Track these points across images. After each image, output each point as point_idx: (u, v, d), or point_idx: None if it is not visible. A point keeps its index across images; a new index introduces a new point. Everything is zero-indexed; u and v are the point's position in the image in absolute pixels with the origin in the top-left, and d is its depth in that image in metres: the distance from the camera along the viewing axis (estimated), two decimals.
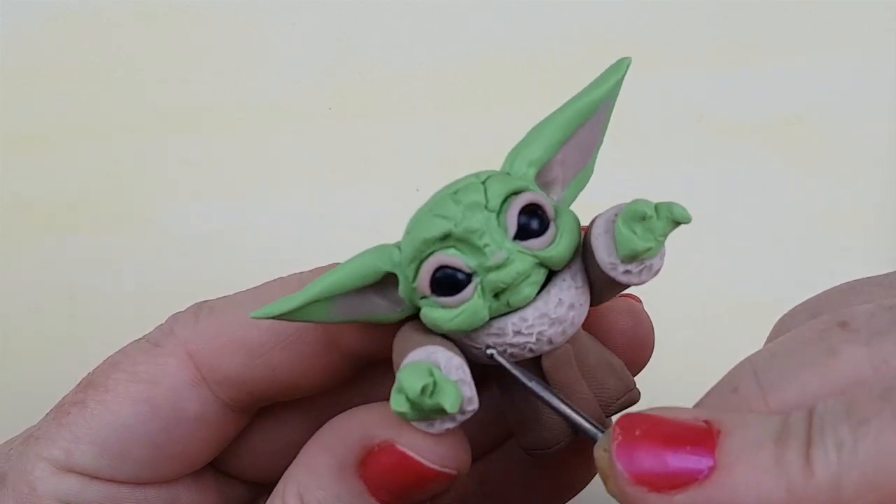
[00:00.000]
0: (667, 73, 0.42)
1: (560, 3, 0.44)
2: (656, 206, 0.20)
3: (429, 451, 0.21)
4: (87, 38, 0.45)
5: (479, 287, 0.21)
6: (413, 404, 0.20)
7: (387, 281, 0.22)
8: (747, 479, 0.17)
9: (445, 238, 0.21)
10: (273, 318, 0.22)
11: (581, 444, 0.24)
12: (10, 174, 0.43)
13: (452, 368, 0.20)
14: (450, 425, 0.21)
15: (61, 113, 0.44)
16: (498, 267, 0.20)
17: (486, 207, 0.21)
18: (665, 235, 0.20)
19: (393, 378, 0.21)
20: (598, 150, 0.23)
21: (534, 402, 0.23)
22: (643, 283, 0.21)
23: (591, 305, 0.22)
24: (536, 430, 0.23)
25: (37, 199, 0.42)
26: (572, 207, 0.22)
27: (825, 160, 0.41)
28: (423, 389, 0.20)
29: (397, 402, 0.20)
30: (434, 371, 0.20)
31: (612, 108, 0.22)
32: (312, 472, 0.22)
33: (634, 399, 0.24)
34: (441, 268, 0.21)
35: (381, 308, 0.22)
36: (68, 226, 0.42)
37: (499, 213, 0.21)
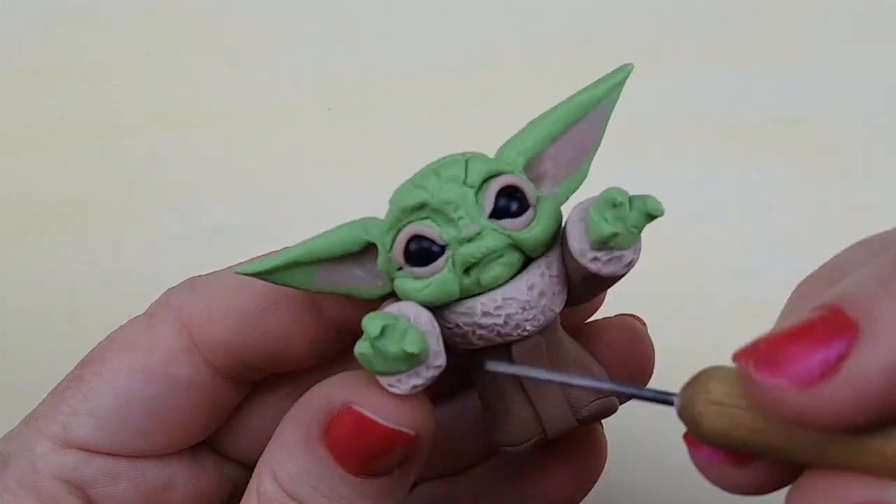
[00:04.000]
0: (667, 73, 0.42)
1: (560, 3, 0.44)
2: (630, 198, 0.20)
3: (385, 410, 0.21)
4: (87, 38, 0.45)
5: (450, 260, 0.21)
6: (376, 349, 0.20)
7: (368, 253, 0.22)
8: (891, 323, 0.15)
9: (422, 208, 0.21)
10: (255, 274, 0.22)
11: (554, 445, 0.24)
12: (9, 174, 0.43)
13: (421, 321, 0.20)
14: (416, 382, 0.20)
15: (61, 113, 0.44)
16: (469, 240, 0.21)
17: (464, 182, 0.21)
18: (638, 227, 0.20)
19: None
20: (594, 152, 0.23)
21: (504, 396, 0.23)
22: (614, 274, 0.21)
23: (572, 304, 0.22)
24: (506, 425, 0.23)
25: (36, 199, 0.42)
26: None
27: (825, 160, 0.40)
28: (384, 329, 0.20)
29: (360, 346, 0.20)
30: (400, 318, 0.20)
31: (611, 112, 0.23)
32: (283, 446, 0.22)
33: (611, 407, 0.23)
34: (415, 237, 0.21)
35: (361, 281, 0.22)
36: (68, 226, 0.42)
37: (478, 191, 0.21)
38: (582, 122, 0.22)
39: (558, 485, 0.26)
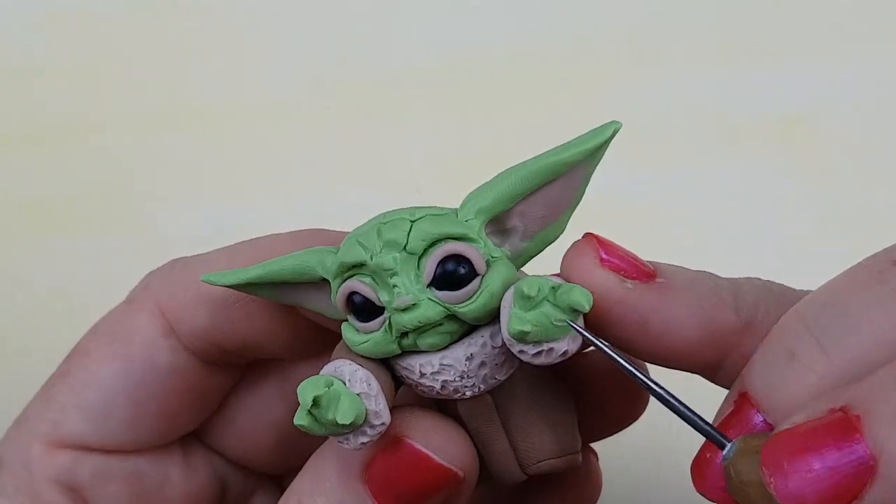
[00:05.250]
0: (667, 74, 0.42)
1: (560, 3, 0.44)
2: (555, 288, 0.19)
3: (438, 447, 0.21)
4: (87, 38, 0.45)
5: (387, 322, 0.20)
6: (314, 417, 0.19)
7: (324, 284, 0.22)
8: None
9: (361, 266, 0.20)
10: (219, 285, 0.22)
11: (548, 476, 0.23)
12: (8, 174, 0.43)
13: (357, 381, 0.20)
14: (363, 440, 0.20)
15: (60, 113, 0.44)
16: (403, 310, 0.20)
17: (404, 248, 0.20)
18: (563, 321, 0.19)
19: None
20: (571, 210, 0.21)
21: (481, 435, 0.22)
22: (549, 364, 0.20)
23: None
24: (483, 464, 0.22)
25: (35, 199, 0.42)
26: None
27: (825, 160, 0.40)
28: (316, 401, 0.19)
29: (298, 416, 0.19)
30: (336, 383, 0.19)
31: (592, 172, 0.21)
32: (316, 478, 0.21)
33: (572, 464, 0.22)
34: (354, 293, 0.20)
35: (324, 304, 0.22)
36: (66, 226, 0.41)
37: (421, 256, 0.20)
38: (555, 182, 0.21)
39: None
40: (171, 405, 0.25)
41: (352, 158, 0.42)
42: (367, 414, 0.19)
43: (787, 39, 0.43)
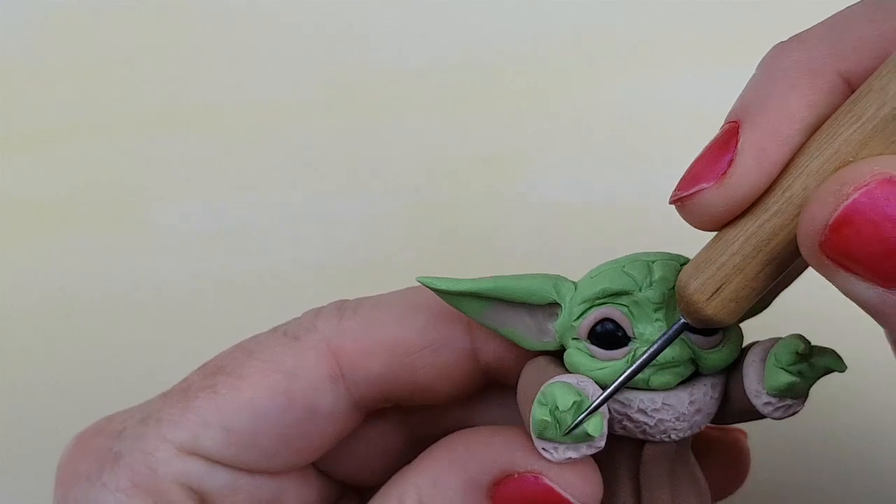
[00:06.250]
0: (667, 73, 0.42)
1: (560, 3, 0.44)
2: (813, 350, 0.21)
3: (576, 488, 0.21)
4: (86, 37, 0.45)
5: (632, 353, 0.21)
6: (556, 419, 0.20)
7: (546, 308, 0.23)
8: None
9: (623, 295, 0.21)
10: (436, 290, 0.22)
11: None
12: (7, 174, 0.43)
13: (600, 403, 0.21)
14: (572, 455, 0.21)
15: (59, 112, 0.44)
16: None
17: (672, 287, 0.21)
18: (815, 380, 0.21)
19: (506, 405, 0.22)
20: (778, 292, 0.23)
21: (613, 482, 0.23)
22: (776, 419, 0.21)
23: (713, 422, 0.23)
24: None
25: (34, 199, 0.42)
26: None
27: None
28: (574, 405, 0.20)
29: (541, 412, 0.20)
30: (583, 396, 0.21)
31: None
32: (438, 484, 0.22)
33: None
34: (607, 320, 0.21)
35: (527, 329, 0.23)
36: (65, 226, 0.41)
37: None
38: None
39: None
40: (314, 444, 0.25)
41: (352, 158, 0.42)
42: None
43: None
